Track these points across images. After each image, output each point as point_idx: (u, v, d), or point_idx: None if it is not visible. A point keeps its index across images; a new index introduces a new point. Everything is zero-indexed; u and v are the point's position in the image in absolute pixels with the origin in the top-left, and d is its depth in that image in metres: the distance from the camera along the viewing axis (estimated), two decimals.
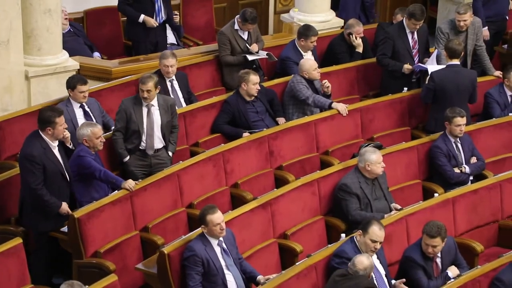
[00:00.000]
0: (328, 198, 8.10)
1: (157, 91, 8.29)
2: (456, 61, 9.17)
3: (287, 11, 11.26)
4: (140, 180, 7.81)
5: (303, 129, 8.93)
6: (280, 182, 8.49)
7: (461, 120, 8.54)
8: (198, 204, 7.94)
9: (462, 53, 9.29)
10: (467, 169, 8.58)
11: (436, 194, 8.10)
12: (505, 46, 10.77)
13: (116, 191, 7.64)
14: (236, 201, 8.20)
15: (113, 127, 8.49)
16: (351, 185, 7.90)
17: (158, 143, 8.36)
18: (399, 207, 7.94)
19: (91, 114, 8.45)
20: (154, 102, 8.29)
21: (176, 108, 8.61)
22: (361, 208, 7.89)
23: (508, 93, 9.42)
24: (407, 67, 9.56)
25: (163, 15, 10.23)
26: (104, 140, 7.90)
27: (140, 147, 8.32)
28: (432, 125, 9.10)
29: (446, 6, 11.59)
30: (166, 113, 8.33)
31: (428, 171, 8.72)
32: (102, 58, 10.25)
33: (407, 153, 8.68)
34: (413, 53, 9.68)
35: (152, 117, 8.29)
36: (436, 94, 9.08)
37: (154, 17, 10.15)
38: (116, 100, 8.73)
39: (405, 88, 9.57)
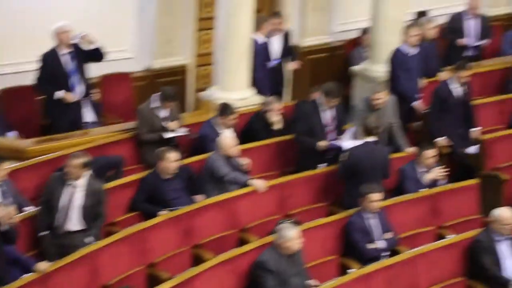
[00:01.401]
0: (247, 276, 8.08)
1: (84, 172, 8.23)
2: (371, 138, 9.36)
3: (206, 89, 11.40)
4: (53, 261, 7.70)
5: (221, 206, 8.96)
6: (198, 260, 8.46)
7: (376, 196, 8.69)
8: (113, 286, 7.83)
9: (378, 130, 9.50)
10: (382, 244, 8.68)
11: (351, 270, 8.16)
12: (418, 123, 11.05)
13: (31, 273, 7.50)
14: (152, 281, 8.12)
15: (26, 208, 8.39)
16: (268, 262, 7.92)
17: (74, 225, 8.27)
18: (314, 283, 7.96)
19: (7, 195, 8.34)
20: (80, 182, 8.23)
21: None
22: (279, 286, 7.89)
23: (420, 169, 9.62)
24: (322, 144, 9.72)
25: (79, 91, 10.23)
26: (16, 220, 7.78)
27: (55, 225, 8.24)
28: (348, 201, 9.21)
29: (362, 84, 11.88)
30: (90, 197, 8.26)
31: (344, 246, 8.79)
32: (19, 138, 10.15)
33: (324, 229, 8.77)
34: (329, 130, 9.85)
35: (73, 197, 8.23)
36: (352, 171, 9.23)
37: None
38: (31, 180, 8.64)
39: (321, 165, 9.71)
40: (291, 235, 7.98)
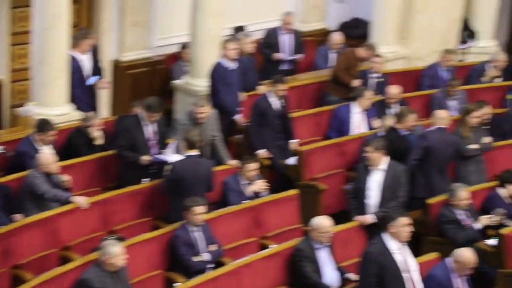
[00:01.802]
0: None
1: None
2: (194, 152, 9.41)
3: (23, 105, 11.07)
4: None
5: (42, 224, 8.72)
6: (18, 281, 8.17)
7: (200, 209, 8.74)
8: None
9: (200, 143, 9.56)
10: (207, 257, 8.73)
11: (177, 284, 8.15)
12: (239, 136, 11.25)
13: None
14: None
15: None
16: (92, 280, 7.76)
17: None
18: None
19: None
20: None
21: None
22: None
23: (243, 182, 9.77)
24: (145, 158, 9.68)
25: None
26: None
27: None
28: (173, 215, 9.21)
29: (183, 98, 11.94)
30: None
31: (170, 261, 8.78)
32: None
33: (149, 244, 8.72)
34: (152, 144, 9.82)
35: None
36: (175, 184, 9.23)
37: None
38: None
39: (145, 179, 9.66)
40: (115, 252, 7.86)
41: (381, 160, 9.47)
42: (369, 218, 9.43)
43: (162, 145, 9.96)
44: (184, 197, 8.91)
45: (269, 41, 12.93)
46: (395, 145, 10.06)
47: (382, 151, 9.46)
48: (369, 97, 11.36)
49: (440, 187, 10.09)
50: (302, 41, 13.24)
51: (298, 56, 13.03)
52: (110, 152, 10.03)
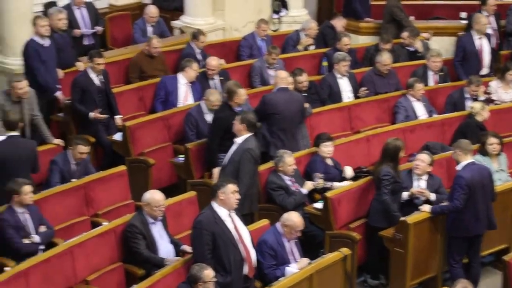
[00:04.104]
0: None
1: None
2: (14, 132, 9.10)
3: None
4: None
5: None
6: None
7: (27, 189, 8.42)
8: None
9: (20, 123, 9.24)
10: (36, 238, 8.47)
11: (7, 268, 7.84)
12: (61, 114, 10.99)
13: None
14: None
15: None
16: None
17: None
18: None
19: None
20: None
21: None
22: None
23: (73, 161, 9.53)
24: None
25: None
26: None
27: None
28: None
29: None
30: None
31: None
32: None
33: None
34: None
35: None
36: None
37: None
38: None
39: None
40: None
41: (241, 134, 9.28)
42: None
43: None
44: (8, 179, 8.56)
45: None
46: (230, 121, 9.62)
47: (245, 125, 9.25)
48: (195, 68, 11.30)
49: (291, 146, 10.18)
50: (97, 12, 12.88)
51: (98, 29, 12.69)
52: None
